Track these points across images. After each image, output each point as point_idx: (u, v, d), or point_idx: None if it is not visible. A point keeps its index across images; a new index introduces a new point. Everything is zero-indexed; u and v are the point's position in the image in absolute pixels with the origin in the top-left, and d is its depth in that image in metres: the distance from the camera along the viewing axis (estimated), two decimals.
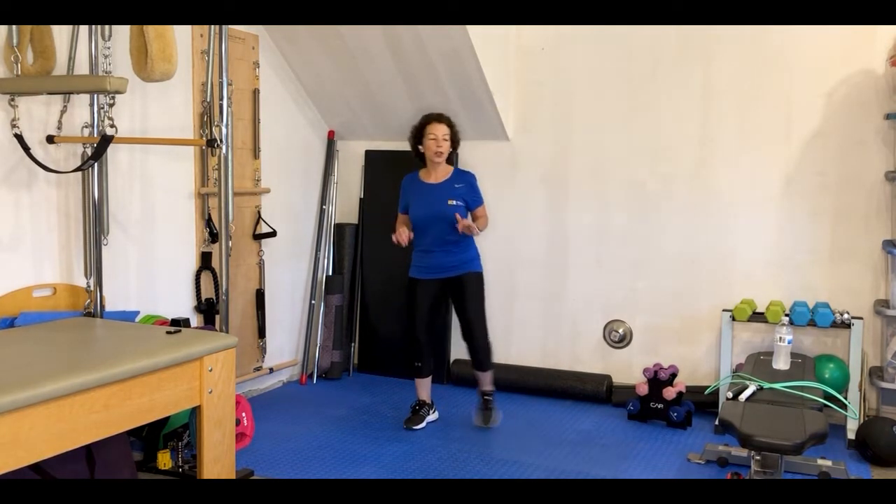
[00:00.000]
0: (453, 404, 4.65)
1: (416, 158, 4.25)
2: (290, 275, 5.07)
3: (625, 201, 4.72)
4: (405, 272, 4.82)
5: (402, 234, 4.04)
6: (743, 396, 3.19)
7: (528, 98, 4.90)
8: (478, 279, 4.18)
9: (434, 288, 4.16)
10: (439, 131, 4.09)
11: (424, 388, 4.30)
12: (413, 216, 4.16)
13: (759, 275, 4.44)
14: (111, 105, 3.02)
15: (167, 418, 3.38)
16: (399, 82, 4.75)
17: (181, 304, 4.17)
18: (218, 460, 2.97)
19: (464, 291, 4.13)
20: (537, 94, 4.88)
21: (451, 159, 5.00)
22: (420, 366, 4.24)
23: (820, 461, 3.61)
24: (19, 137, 3.12)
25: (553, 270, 4.93)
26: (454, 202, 4.07)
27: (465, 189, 4.14)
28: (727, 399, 3.20)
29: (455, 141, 4.18)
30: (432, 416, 4.33)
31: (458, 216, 3.99)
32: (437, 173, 4.17)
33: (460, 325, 4.20)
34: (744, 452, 3.67)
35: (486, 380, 4.25)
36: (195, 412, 3.00)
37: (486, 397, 4.25)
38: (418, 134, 4.16)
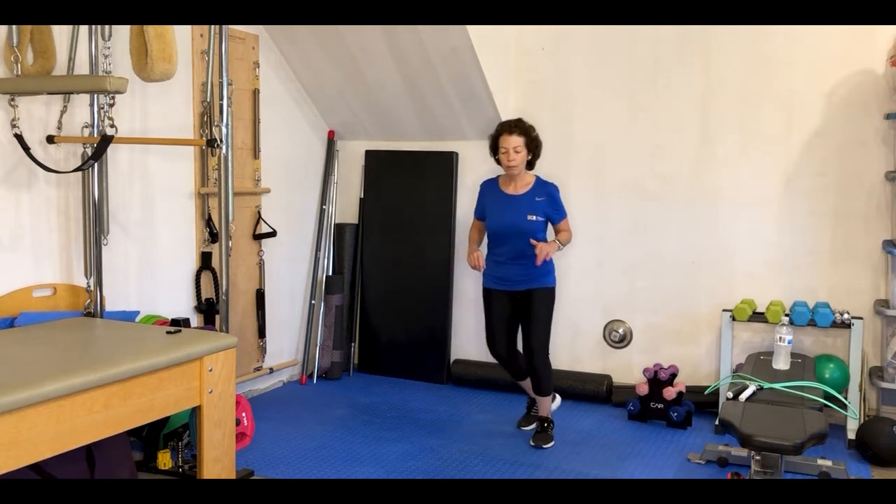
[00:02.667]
0: (453, 404, 4.65)
1: (498, 165, 4.05)
2: (290, 275, 5.07)
3: (625, 201, 4.72)
4: (405, 272, 4.85)
5: (477, 259, 3.91)
6: (743, 396, 3.19)
7: (528, 98, 4.90)
8: (547, 295, 3.97)
9: (507, 299, 4.00)
10: (510, 143, 3.86)
11: (528, 388, 4.19)
12: (489, 225, 3.99)
13: (759, 275, 4.44)
14: (111, 105, 3.02)
15: (167, 418, 3.38)
16: (399, 82, 4.75)
17: (181, 304, 4.17)
18: (218, 460, 2.98)
19: (531, 307, 3.94)
20: (537, 94, 4.88)
21: (452, 160, 5.02)
22: (513, 374, 4.16)
23: (820, 461, 3.61)
24: (19, 137, 3.12)
25: None
26: (534, 217, 3.89)
27: (547, 202, 3.94)
28: (727, 399, 3.20)
29: (532, 148, 3.95)
30: (555, 404, 4.23)
31: (534, 243, 3.82)
32: (517, 183, 3.97)
33: (523, 340, 4.01)
34: (744, 452, 3.67)
35: (543, 406, 4.08)
36: (195, 412, 3.00)
37: (544, 424, 4.06)
38: (493, 144, 3.99)
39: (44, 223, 3.40)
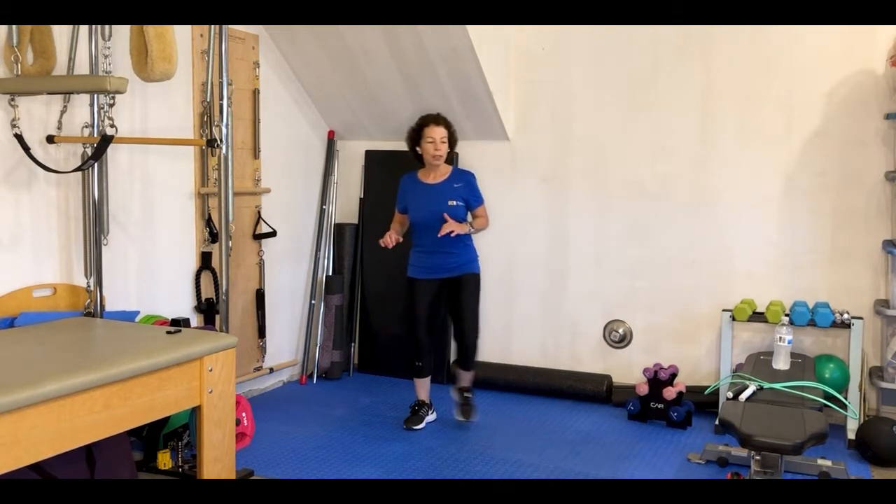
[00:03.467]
0: (453, 404, 4.65)
1: (414, 160, 4.25)
2: (290, 275, 5.07)
3: (625, 201, 4.72)
4: (405, 272, 4.80)
5: (390, 238, 4.09)
6: (743, 396, 3.19)
7: (528, 98, 4.90)
8: (475, 281, 4.20)
9: (433, 288, 4.17)
10: (437, 134, 4.09)
11: (424, 387, 4.31)
12: (412, 217, 4.17)
13: (759, 275, 4.44)
14: (111, 105, 3.02)
15: (167, 418, 3.37)
16: (399, 82, 4.75)
17: (181, 304, 4.17)
18: (218, 460, 2.98)
19: (461, 292, 4.15)
20: (537, 94, 4.88)
21: (451, 159, 5.01)
22: (420, 365, 4.25)
23: (820, 461, 3.61)
24: (19, 137, 3.12)
25: (553, 270, 4.93)
26: (454, 202, 4.08)
27: (465, 188, 4.14)
28: (727, 399, 3.20)
29: (453, 141, 4.19)
30: (431, 417, 4.34)
31: (446, 216, 4.00)
32: (436, 173, 4.19)
33: (453, 324, 4.24)
34: (744, 452, 3.67)
35: (468, 378, 4.32)
36: (195, 412, 3.00)
37: (465, 394, 4.28)
38: (416, 136, 4.16)
39: (44, 223, 3.40)
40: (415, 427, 4.20)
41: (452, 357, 5.12)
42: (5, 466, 2.22)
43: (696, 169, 4.55)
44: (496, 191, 4.99)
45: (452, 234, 3.98)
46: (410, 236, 4.30)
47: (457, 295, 4.16)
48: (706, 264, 4.56)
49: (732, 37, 4.40)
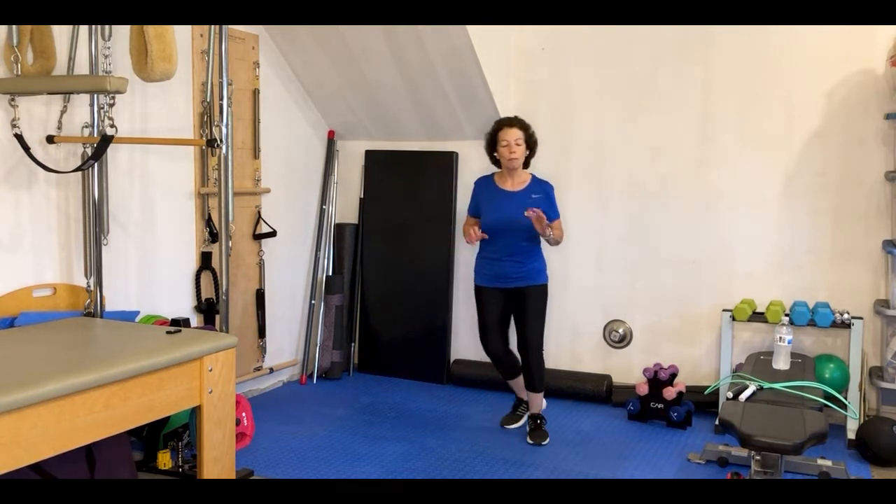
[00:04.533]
0: (453, 404, 4.65)
1: (493, 165, 4.11)
2: (290, 275, 5.07)
3: (625, 201, 4.72)
4: (405, 272, 4.85)
5: (475, 233, 3.89)
6: (743, 396, 3.19)
7: (528, 98, 4.90)
8: (541, 292, 4.01)
9: (500, 296, 4.03)
10: (511, 136, 3.93)
11: (519, 388, 4.21)
12: (485, 222, 3.98)
13: (759, 275, 4.44)
14: (111, 105, 3.02)
15: (167, 418, 3.38)
16: (399, 82, 4.75)
17: (181, 304, 4.17)
18: (218, 460, 2.98)
19: (525, 303, 3.98)
20: (537, 94, 4.88)
21: (452, 160, 5.02)
22: (503, 372, 4.16)
23: (820, 461, 3.61)
24: (19, 137, 3.12)
25: (553, 270, 4.92)
26: (530, 213, 3.86)
27: (542, 200, 3.97)
28: (727, 399, 3.20)
29: (531, 144, 4.02)
30: (527, 414, 4.24)
31: (531, 211, 3.79)
32: (514, 180, 4.02)
33: (517, 338, 4.05)
34: (744, 452, 3.67)
35: (536, 402, 4.11)
36: (195, 412, 3.00)
37: (537, 421, 4.10)
38: (492, 141, 4.02)
39: (44, 223, 3.40)
40: (509, 426, 4.19)
41: (453, 357, 5.12)
42: (5, 466, 2.22)
43: (696, 169, 4.55)
44: None
45: (533, 219, 3.75)
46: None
47: (521, 307, 3.99)
48: (706, 264, 4.56)
49: (732, 37, 4.40)
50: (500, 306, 4.04)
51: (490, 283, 4.03)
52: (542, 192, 4.01)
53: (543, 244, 4.05)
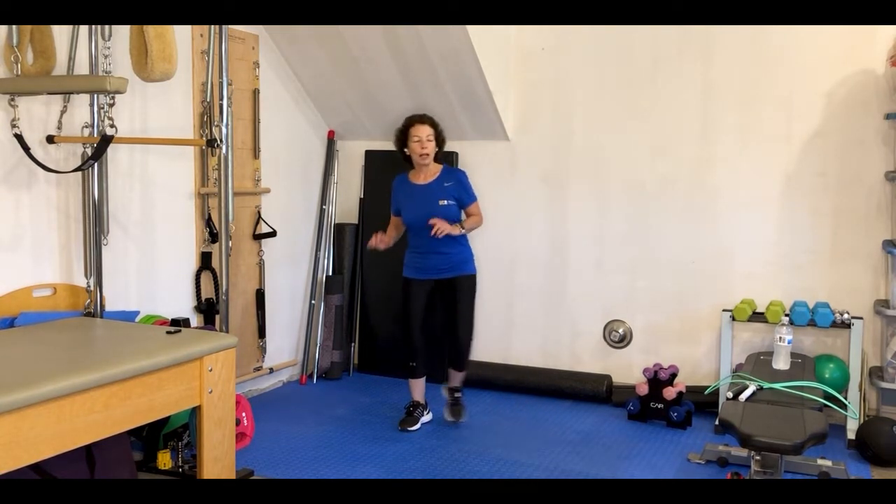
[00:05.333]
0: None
1: (404, 162, 4.22)
2: (290, 275, 5.07)
3: (625, 201, 4.72)
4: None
5: (378, 238, 4.07)
6: (743, 396, 3.19)
7: (528, 98, 4.90)
8: (471, 282, 4.17)
9: (428, 288, 4.16)
10: (422, 132, 4.06)
11: (418, 388, 4.31)
12: (405, 218, 4.15)
13: (759, 275, 4.44)
14: (111, 105, 3.02)
15: (167, 418, 3.37)
16: (399, 82, 4.75)
17: (181, 304, 4.17)
18: (218, 460, 2.98)
19: (456, 294, 4.13)
20: (537, 94, 4.88)
21: (450, 160, 5.01)
22: (414, 366, 4.24)
23: (820, 461, 3.61)
24: (19, 137, 3.12)
25: (553, 270, 4.93)
26: (445, 202, 4.05)
27: (456, 187, 4.11)
28: (727, 399, 3.20)
29: (440, 140, 4.16)
30: (426, 417, 4.33)
31: (433, 221, 3.94)
32: (426, 173, 4.15)
33: (447, 323, 4.19)
34: (744, 452, 3.67)
35: (459, 378, 4.30)
36: (195, 412, 3.00)
37: (455, 394, 4.28)
38: (402, 137, 4.14)
39: (44, 223, 3.40)
40: (409, 428, 4.19)
41: None
42: (5, 466, 2.22)
43: (696, 169, 4.55)
44: (496, 191, 4.99)
45: (440, 235, 3.93)
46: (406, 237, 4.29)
47: (451, 296, 4.14)
48: (706, 264, 4.56)
49: (732, 37, 4.40)
50: (424, 298, 4.17)
51: (417, 274, 4.15)
52: (453, 180, 4.13)
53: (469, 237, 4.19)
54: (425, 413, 4.33)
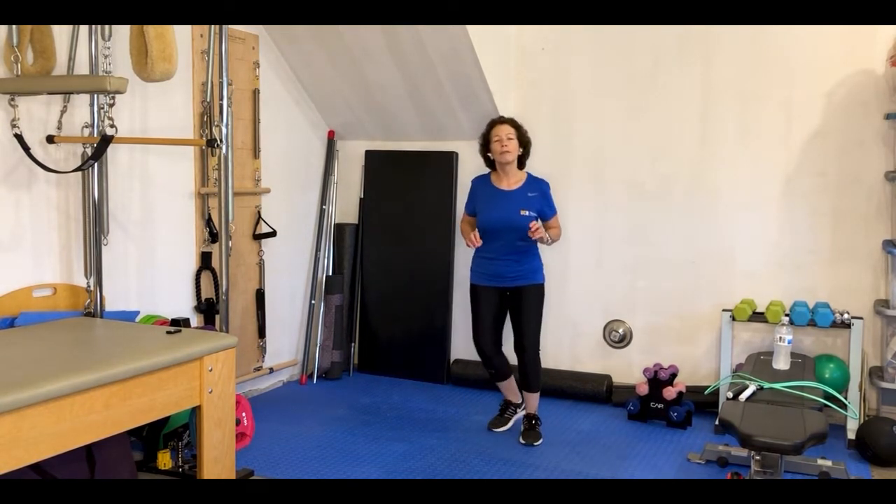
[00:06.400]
0: (453, 404, 4.65)
1: (488, 167, 4.11)
2: (290, 275, 5.07)
3: (625, 201, 4.72)
4: (405, 272, 4.83)
5: (475, 238, 3.89)
6: (743, 396, 3.19)
7: (528, 98, 4.90)
8: (538, 292, 4.02)
9: (496, 296, 4.03)
10: (503, 132, 3.95)
11: (508, 389, 4.22)
12: (481, 221, 3.98)
13: (759, 275, 4.44)
14: (111, 105, 3.02)
15: (167, 418, 3.38)
16: (399, 82, 4.75)
17: (181, 304, 4.17)
18: (218, 460, 2.98)
19: (522, 303, 3.98)
20: (537, 94, 4.88)
21: (452, 160, 5.02)
22: (493, 373, 4.13)
23: (820, 461, 3.61)
24: (19, 137, 3.12)
25: (553, 270, 4.92)
26: (526, 212, 3.90)
27: (539, 198, 3.98)
28: (727, 399, 3.20)
29: (523, 141, 4.03)
30: (520, 414, 4.24)
31: (532, 224, 3.83)
32: (510, 179, 4.02)
33: (514, 338, 4.03)
34: (744, 452, 3.67)
35: (532, 402, 4.11)
36: (195, 412, 3.00)
37: (532, 421, 4.10)
38: (485, 140, 4.03)
39: (44, 223, 3.40)
40: (497, 429, 4.16)
41: (453, 357, 5.12)
42: (5, 466, 2.22)
43: (696, 169, 4.55)
44: None
45: (536, 237, 3.81)
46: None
47: (517, 306, 3.99)
48: (706, 264, 4.56)
49: (732, 37, 4.40)
50: (495, 306, 4.04)
51: (486, 282, 4.03)
52: (538, 191, 4.01)
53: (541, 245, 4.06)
54: (518, 410, 4.25)
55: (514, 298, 4.01)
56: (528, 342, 3.99)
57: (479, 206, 4.05)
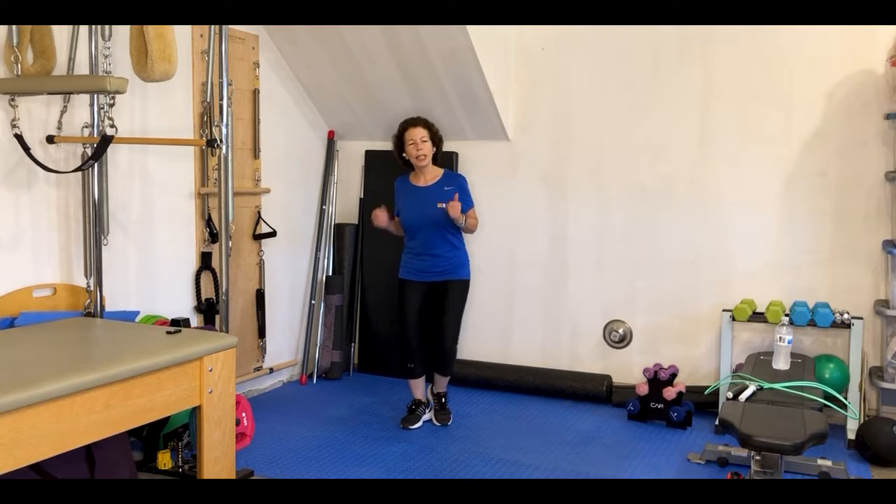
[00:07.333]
0: (453, 404, 4.65)
1: (404, 166, 4.25)
2: (290, 275, 5.07)
3: (625, 201, 4.72)
4: None
5: (380, 216, 4.09)
6: (743, 396, 3.19)
7: (528, 98, 4.90)
8: (462, 287, 4.19)
9: (422, 289, 4.18)
10: (416, 135, 4.09)
11: (418, 387, 4.33)
12: (403, 219, 4.18)
13: (759, 275, 4.44)
14: (111, 105, 3.02)
15: (167, 418, 3.37)
16: (399, 82, 4.75)
17: (181, 304, 4.17)
18: (218, 460, 2.98)
19: (446, 298, 4.14)
20: (537, 94, 4.88)
21: (452, 160, 5.01)
22: (412, 367, 4.26)
23: (820, 461, 3.61)
24: (19, 137, 3.12)
25: (553, 270, 4.93)
26: (443, 205, 4.06)
27: (454, 191, 4.10)
28: (727, 399, 3.20)
29: (436, 140, 4.18)
30: (428, 416, 4.34)
31: (451, 201, 3.96)
32: (426, 176, 4.18)
33: (434, 327, 4.17)
34: (744, 452, 3.67)
35: (444, 383, 4.34)
36: (195, 412, 3.00)
37: (442, 399, 4.34)
38: (399, 142, 4.17)
39: (44, 223, 3.40)
40: (411, 426, 4.20)
41: None
42: (5, 466, 2.22)
43: (696, 169, 4.55)
44: (496, 191, 4.99)
45: (449, 211, 3.93)
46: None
47: (441, 300, 4.15)
48: (706, 264, 4.56)
49: (732, 37, 4.40)
50: (419, 299, 4.19)
51: (413, 276, 4.18)
52: (454, 185, 4.15)
53: (466, 239, 4.24)
54: (427, 411, 4.34)
55: (439, 293, 4.16)
56: (448, 333, 4.16)
57: (401, 205, 4.21)
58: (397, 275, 4.26)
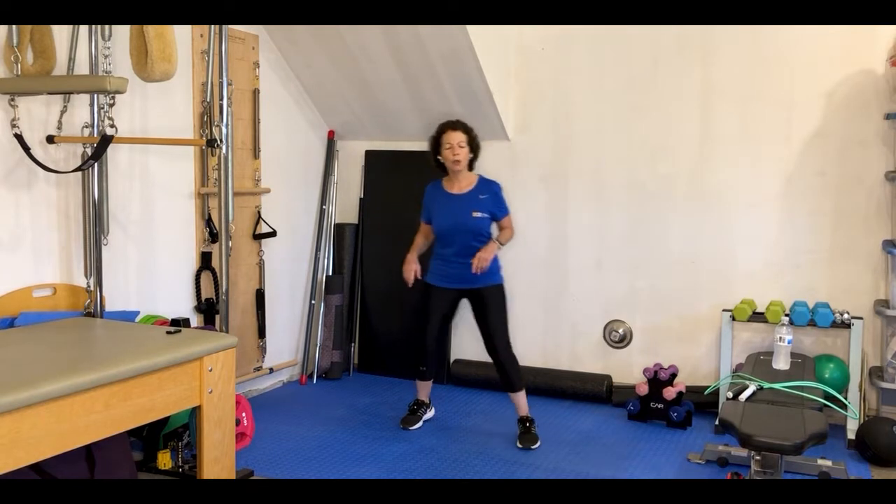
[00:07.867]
0: (453, 404, 4.65)
1: (437, 169, 4.14)
2: (290, 275, 5.07)
3: (625, 201, 4.72)
4: (404, 273, 4.77)
5: (409, 270, 4.07)
6: (743, 396, 3.19)
7: (528, 98, 4.90)
8: (499, 292, 4.06)
9: (450, 297, 4.08)
10: (454, 139, 3.98)
11: (425, 389, 4.30)
12: (436, 226, 4.07)
13: (759, 275, 4.44)
14: (111, 105, 3.02)
15: (167, 418, 3.38)
16: (399, 82, 4.75)
17: (181, 304, 4.17)
18: (218, 460, 2.98)
19: (485, 304, 4.02)
20: (537, 94, 4.88)
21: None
22: (425, 370, 4.19)
23: (820, 461, 3.61)
24: (19, 137, 3.12)
25: (553, 270, 4.93)
26: (479, 214, 3.97)
27: (490, 199, 4.02)
28: (727, 399, 3.20)
29: (474, 147, 4.07)
30: (429, 414, 4.34)
31: (473, 262, 3.90)
32: (461, 182, 4.06)
33: (483, 338, 4.07)
34: (744, 452, 3.68)
35: (520, 403, 4.11)
36: (195, 412, 3.00)
37: (526, 423, 4.08)
38: (436, 144, 4.06)
39: (44, 223, 3.40)
40: (411, 427, 4.19)
41: (453, 357, 5.12)
42: (5, 466, 2.22)
43: (696, 169, 4.55)
44: None
45: (485, 265, 3.88)
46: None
47: (481, 308, 4.04)
48: (706, 264, 4.56)
49: (732, 37, 4.40)
50: (447, 305, 4.11)
51: (442, 283, 4.09)
52: (488, 193, 4.05)
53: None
54: (428, 411, 4.33)
55: (476, 301, 4.05)
56: (499, 341, 4.03)
57: (433, 212, 4.11)
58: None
